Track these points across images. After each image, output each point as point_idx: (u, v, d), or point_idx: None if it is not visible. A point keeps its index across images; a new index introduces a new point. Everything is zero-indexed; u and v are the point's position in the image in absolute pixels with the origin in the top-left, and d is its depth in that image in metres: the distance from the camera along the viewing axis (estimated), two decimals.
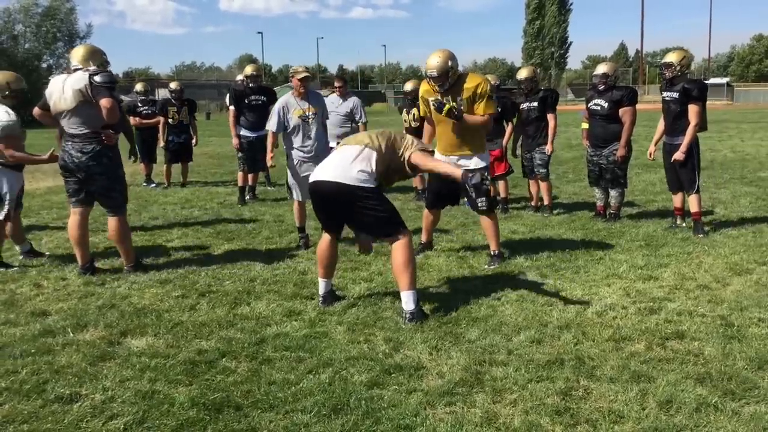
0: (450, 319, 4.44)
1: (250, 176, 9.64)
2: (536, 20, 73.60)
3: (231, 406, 3.27)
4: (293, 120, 6.54)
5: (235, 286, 5.32)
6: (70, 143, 5.51)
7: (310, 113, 6.58)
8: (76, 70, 5.47)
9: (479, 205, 5.59)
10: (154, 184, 11.34)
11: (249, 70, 9.65)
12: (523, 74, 8.12)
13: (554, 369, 3.63)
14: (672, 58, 6.80)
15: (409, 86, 9.47)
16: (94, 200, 5.75)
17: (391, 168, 4.69)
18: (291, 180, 6.70)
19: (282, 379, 3.57)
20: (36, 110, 5.76)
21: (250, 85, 9.42)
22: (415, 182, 9.45)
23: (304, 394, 3.39)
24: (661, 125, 7.10)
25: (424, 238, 6.29)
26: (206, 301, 4.92)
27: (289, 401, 3.32)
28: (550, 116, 7.91)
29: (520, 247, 6.41)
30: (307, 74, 6.55)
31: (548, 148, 7.89)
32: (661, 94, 7.01)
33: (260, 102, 9.31)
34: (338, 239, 4.89)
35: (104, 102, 5.26)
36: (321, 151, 6.58)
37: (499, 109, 8.26)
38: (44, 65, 40.89)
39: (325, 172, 4.54)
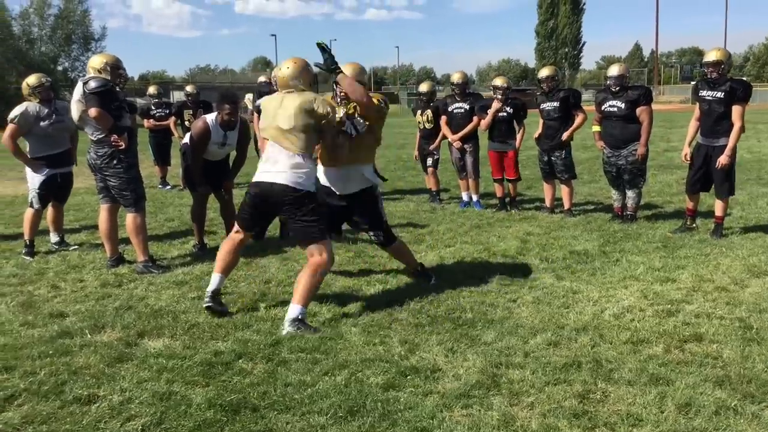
0: (465, 321, 4.43)
1: None
2: (549, 20, 73.20)
3: (248, 407, 3.28)
4: None
5: (250, 287, 5.33)
6: (91, 146, 5.87)
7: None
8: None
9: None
10: (169, 186, 11.39)
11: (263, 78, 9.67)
12: (544, 73, 8.06)
13: (571, 372, 3.61)
14: (720, 56, 6.48)
15: (424, 87, 9.46)
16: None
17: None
18: None
19: (298, 380, 3.57)
20: None
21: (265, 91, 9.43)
22: (429, 184, 9.44)
23: (320, 395, 3.39)
24: (693, 126, 6.88)
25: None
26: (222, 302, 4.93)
27: (305, 403, 3.32)
28: (578, 113, 7.87)
29: (536, 249, 6.38)
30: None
31: (565, 135, 7.82)
32: (698, 93, 6.72)
33: None
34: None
35: (91, 112, 5.56)
36: None
37: (511, 111, 8.30)
38: (60, 68, 41.17)
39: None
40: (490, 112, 8.29)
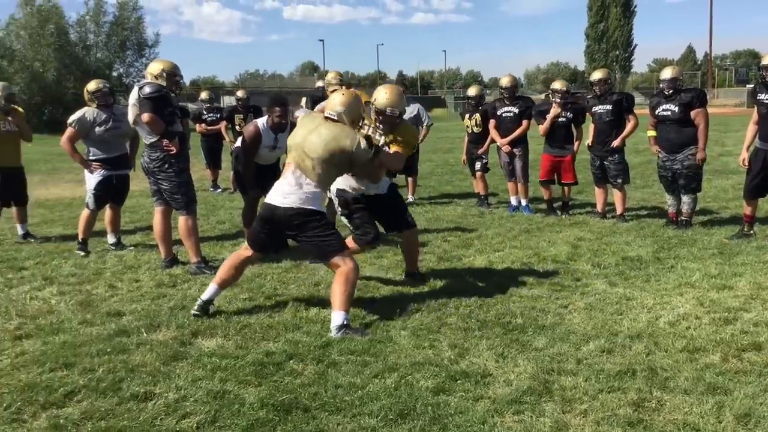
0: (516, 326, 4.40)
1: None
2: (599, 23, 72.02)
3: (299, 407, 3.32)
4: None
5: (300, 290, 5.39)
6: (145, 150, 6.02)
7: None
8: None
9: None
10: (220, 189, 11.60)
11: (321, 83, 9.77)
12: (597, 75, 7.95)
13: (626, 379, 3.55)
14: None
15: (472, 91, 9.42)
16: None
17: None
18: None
19: (348, 382, 3.59)
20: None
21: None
22: (478, 188, 9.39)
23: (371, 398, 3.40)
24: (751, 130, 6.74)
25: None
26: (272, 304, 4.99)
27: (355, 405, 3.34)
28: (630, 117, 7.75)
29: (587, 255, 6.29)
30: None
31: (616, 142, 7.71)
32: (756, 96, 6.59)
33: None
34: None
35: (144, 117, 5.73)
36: None
37: (570, 115, 8.19)
38: (115, 74, 42.22)
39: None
40: (549, 117, 8.18)
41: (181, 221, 6.07)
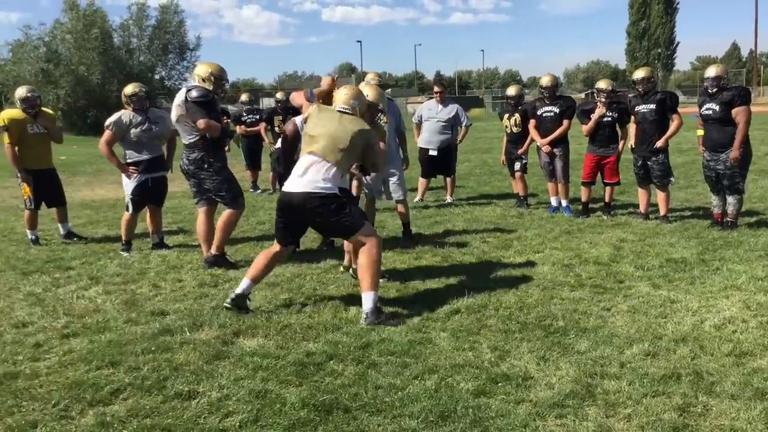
0: (557, 328, 4.35)
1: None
2: (641, 20, 70.89)
3: (340, 408, 3.33)
4: None
5: (339, 290, 5.41)
6: (184, 151, 6.14)
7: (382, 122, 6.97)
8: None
9: None
10: (259, 190, 11.71)
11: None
12: (640, 74, 7.80)
13: (671, 384, 3.49)
14: None
15: (512, 91, 9.34)
16: (215, 199, 6.31)
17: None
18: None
19: (388, 383, 3.60)
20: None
21: None
22: (517, 189, 9.32)
23: (411, 399, 3.40)
24: None
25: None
26: (312, 304, 5.02)
27: (396, 406, 3.34)
28: (675, 117, 7.58)
29: (630, 256, 6.19)
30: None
31: (659, 142, 7.57)
32: None
33: None
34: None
35: (200, 124, 5.83)
36: (390, 158, 6.89)
37: (615, 115, 8.05)
38: (157, 76, 42.89)
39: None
40: (594, 117, 8.05)
41: (226, 214, 6.21)
